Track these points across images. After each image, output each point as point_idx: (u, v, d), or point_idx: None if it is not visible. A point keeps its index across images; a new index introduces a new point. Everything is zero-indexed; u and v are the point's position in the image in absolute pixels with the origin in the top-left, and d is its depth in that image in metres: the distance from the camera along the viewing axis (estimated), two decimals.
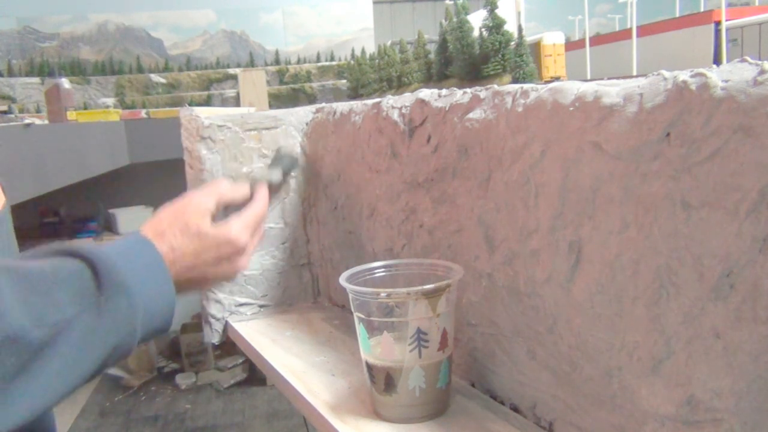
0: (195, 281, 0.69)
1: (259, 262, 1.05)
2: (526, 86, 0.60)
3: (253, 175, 0.81)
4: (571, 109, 0.53)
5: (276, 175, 0.86)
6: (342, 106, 0.96)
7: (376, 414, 0.67)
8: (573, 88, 0.54)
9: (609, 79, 0.54)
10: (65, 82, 2.71)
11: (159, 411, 3.15)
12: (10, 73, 4.74)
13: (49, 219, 3.07)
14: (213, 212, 0.72)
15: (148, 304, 0.59)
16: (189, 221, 0.70)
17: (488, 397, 0.70)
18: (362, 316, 0.65)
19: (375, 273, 0.71)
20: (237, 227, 0.72)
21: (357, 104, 0.92)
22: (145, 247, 0.64)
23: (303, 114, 1.06)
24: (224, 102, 4.76)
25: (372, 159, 0.87)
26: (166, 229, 0.68)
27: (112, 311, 0.55)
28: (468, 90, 0.69)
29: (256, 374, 3.34)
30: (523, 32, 1.96)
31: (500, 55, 1.84)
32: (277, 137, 1.04)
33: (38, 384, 0.50)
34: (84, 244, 0.59)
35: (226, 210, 0.75)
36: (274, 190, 0.85)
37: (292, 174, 1.03)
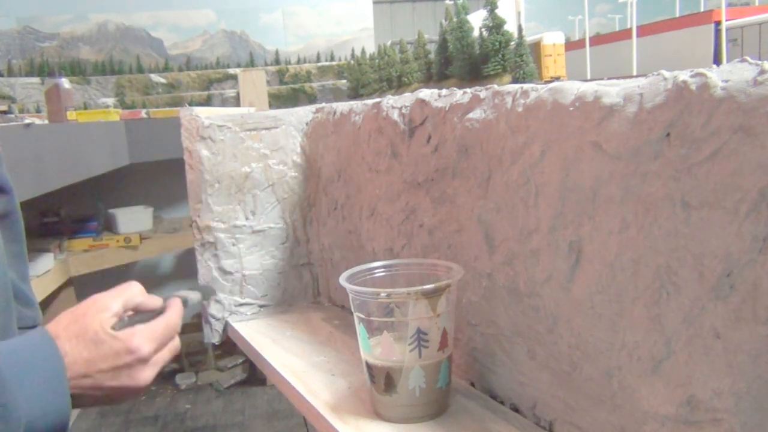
0: (90, 392, 0.63)
1: (259, 262, 1.05)
2: (526, 86, 0.60)
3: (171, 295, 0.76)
4: (571, 109, 0.53)
5: (194, 295, 0.81)
6: (342, 106, 0.96)
7: (376, 414, 0.67)
8: (573, 88, 0.54)
9: (609, 79, 0.54)
10: (65, 82, 2.71)
11: (159, 411, 3.15)
12: (10, 73, 4.74)
13: (49, 219, 3.07)
14: (118, 314, 0.67)
15: (35, 422, 0.55)
16: (88, 325, 0.64)
17: (488, 397, 0.70)
18: (362, 316, 0.65)
19: (375, 273, 0.71)
20: (140, 336, 0.66)
21: (357, 104, 0.92)
22: (49, 358, 0.59)
23: (303, 114, 1.06)
24: (224, 102, 4.76)
25: (372, 159, 0.87)
26: (61, 333, 0.63)
27: None
28: (468, 90, 0.68)
29: (256, 374, 3.34)
30: (523, 32, 1.96)
31: (500, 55, 1.84)
32: (277, 137, 1.04)
33: None
34: None
35: (134, 317, 0.69)
36: (187, 309, 0.78)
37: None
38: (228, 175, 1.01)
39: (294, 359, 0.85)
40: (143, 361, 0.66)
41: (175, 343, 0.71)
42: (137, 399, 0.75)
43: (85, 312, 0.65)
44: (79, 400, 0.63)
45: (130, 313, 0.69)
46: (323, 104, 1.04)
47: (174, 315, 0.71)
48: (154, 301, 0.71)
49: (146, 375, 0.67)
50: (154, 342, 0.67)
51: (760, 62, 0.40)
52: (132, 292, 0.69)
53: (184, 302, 0.75)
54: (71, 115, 2.63)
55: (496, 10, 1.85)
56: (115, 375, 0.64)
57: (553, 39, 2.16)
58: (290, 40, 5.35)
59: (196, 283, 1.02)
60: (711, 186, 0.42)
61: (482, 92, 0.66)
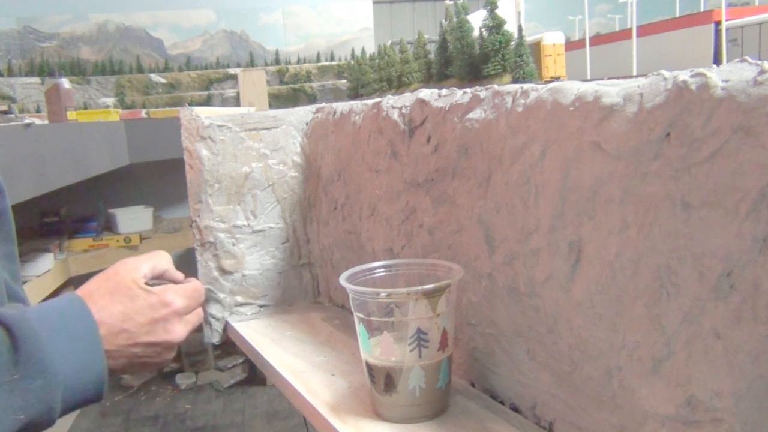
0: (127, 350, 0.63)
1: (259, 262, 1.05)
2: (526, 86, 0.60)
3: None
4: (571, 109, 0.53)
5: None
6: (342, 106, 0.96)
7: (376, 414, 0.67)
8: (573, 88, 0.54)
9: (609, 79, 0.54)
10: (65, 82, 2.71)
11: (159, 411, 3.15)
12: (10, 73, 4.74)
13: (49, 219, 3.07)
14: (146, 277, 0.68)
15: (71, 377, 0.55)
16: (120, 282, 0.65)
17: (488, 397, 0.70)
18: (362, 316, 0.65)
19: (375, 273, 0.71)
20: (173, 291, 0.67)
21: (357, 104, 0.92)
22: (79, 315, 0.59)
23: (303, 114, 1.06)
24: (224, 102, 4.75)
25: (372, 159, 0.87)
26: (94, 293, 0.63)
27: (24, 390, 0.52)
28: (468, 90, 0.68)
29: (256, 374, 3.34)
30: (523, 32, 1.96)
31: (500, 55, 1.84)
32: (277, 137, 1.04)
33: None
34: (10, 309, 0.55)
35: (159, 284, 0.70)
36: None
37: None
38: (228, 175, 1.01)
39: (294, 359, 0.85)
40: (177, 314, 0.67)
41: (201, 312, 0.73)
42: (167, 364, 0.75)
43: (117, 271, 0.67)
44: (115, 361, 0.63)
45: (155, 280, 0.70)
46: (323, 104, 1.04)
47: (199, 283, 0.73)
48: (178, 273, 0.74)
49: (180, 330, 0.68)
50: (186, 299, 0.69)
51: (760, 62, 0.40)
52: (160, 259, 0.71)
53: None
54: (71, 115, 2.63)
55: (496, 10, 1.85)
56: (151, 329, 0.65)
57: (553, 39, 2.16)
58: (290, 40, 5.35)
59: None
60: (711, 186, 0.42)
61: (482, 92, 0.66)
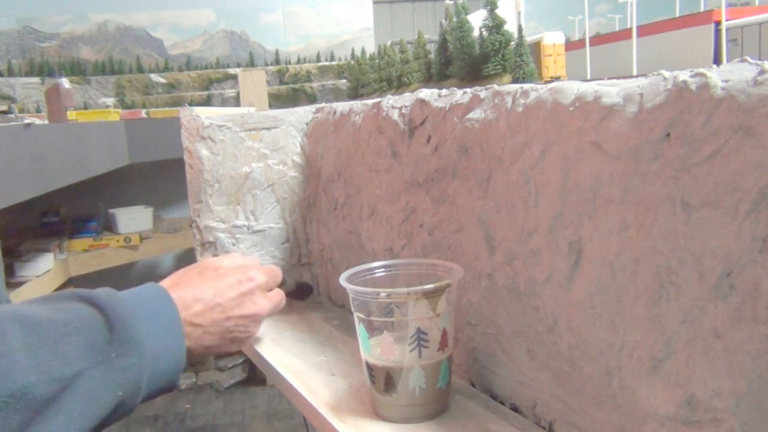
0: (219, 323, 0.67)
1: (259, 262, 1.05)
2: (526, 86, 0.60)
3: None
4: (571, 109, 0.53)
5: (290, 282, 0.88)
6: (342, 106, 0.96)
7: (376, 414, 0.67)
8: (573, 88, 0.54)
9: (609, 79, 0.54)
10: (65, 82, 2.71)
11: (159, 411, 3.15)
12: (10, 73, 4.74)
13: (49, 219, 3.07)
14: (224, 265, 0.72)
15: (156, 361, 0.58)
16: (206, 266, 0.70)
17: (488, 397, 0.70)
18: (362, 316, 0.65)
19: (375, 273, 0.71)
20: (254, 269, 0.72)
21: (357, 104, 0.92)
22: (161, 299, 0.62)
23: (303, 114, 1.06)
24: (224, 102, 4.76)
25: (372, 159, 0.87)
26: (185, 277, 0.68)
27: (121, 368, 0.54)
28: (468, 90, 0.69)
29: (256, 374, 3.34)
30: (523, 32, 1.96)
31: (500, 55, 1.83)
32: (277, 137, 1.04)
33: None
34: (100, 291, 0.57)
35: None
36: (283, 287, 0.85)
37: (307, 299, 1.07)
38: (228, 175, 1.01)
39: (294, 359, 0.85)
40: (261, 288, 0.72)
41: (281, 292, 0.79)
42: (251, 340, 0.80)
43: (201, 263, 0.72)
44: (211, 336, 0.66)
45: None
46: (323, 104, 1.04)
47: (274, 267, 0.79)
48: (253, 258, 0.80)
49: (265, 303, 0.73)
50: (266, 276, 0.74)
51: (760, 62, 0.40)
52: (235, 256, 0.76)
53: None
54: (71, 115, 2.63)
55: (496, 10, 1.85)
56: (241, 302, 0.70)
57: (553, 39, 2.16)
58: (290, 40, 5.35)
59: None
60: (711, 186, 0.42)
61: (482, 92, 0.66)
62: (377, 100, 0.86)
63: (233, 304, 0.69)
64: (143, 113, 3.37)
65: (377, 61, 3.01)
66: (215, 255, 1.02)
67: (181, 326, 0.62)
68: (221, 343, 0.69)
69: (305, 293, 1.06)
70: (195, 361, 0.68)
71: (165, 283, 0.68)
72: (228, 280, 0.69)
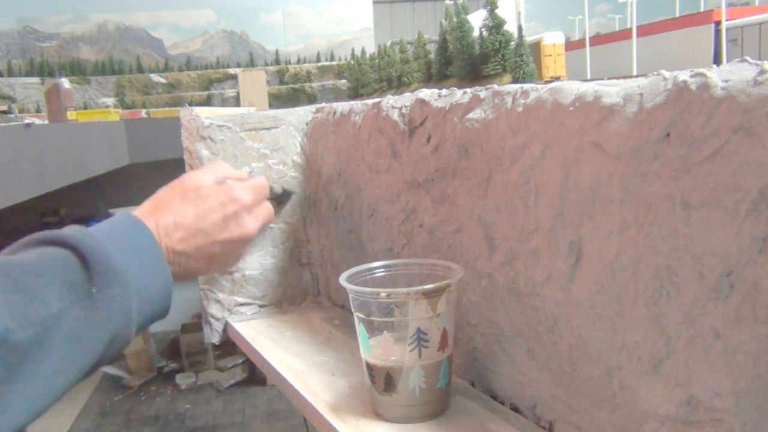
0: (204, 248, 0.64)
1: (259, 262, 1.05)
2: (526, 86, 0.60)
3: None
4: (571, 109, 0.53)
5: (277, 187, 0.85)
6: (342, 106, 0.96)
7: (376, 414, 0.67)
8: (573, 88, 0.54)
9: (609, 79, 0.54)
10: (65, 82, 2.71)
11: (159, 411, 3.15)
12: (10, 73, 4.74)
13: (49, 219, 3.07)
14: (208, 183, 0.68)
15: (142, 288, 0.56)
16: (187, 187, 0.66)
17: (488, 397, 0.70)
18: (362, 316, 0.65)
19: (375, 273, 0.71)
20: (238, 187, 0.68)
21: (357, 104, 0.92)
22: (134, 227, 0.59)
23: (303, 114, 1.06)
24: (224, 102, 4.76)
25: (372, 159, 0.87)
26: (163, 201, 0.64)
27: (105, 301, 0.52)
28: (468, 90, 0.68)
29: (256, 374, 3.34)
30: (523, 32, 1.96)
31: (500, 55, 1.84)
32: (277, 137, 1.04)
33: (34, 385, 0.47)
34: (70, 229, 0.55)
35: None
36: (271, 196, 0.83)
37: (287, 204, 1.05)
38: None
39: (294, 359, 0.85)
40: (246, 208, 0.68)
41: (269, 206, 0.74)
42: (241, 260, 0.77)
43: (181, 181, 0.67)
44: (197, 262, 0.64)
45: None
46: (323, 104, 1.04)
47: (262, 178, 0.74)
48: (240, 173, 0.73)
49: (252, 223, 0.68)
50: (251, 193, 0.69)
51: (760, 62, 0.40)
52: (220, 166, 0.71)
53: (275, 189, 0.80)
54: (71, 115, 2.63)
55: (496, 10, 1.85)
56: (225, 225, 0.66)
57: (553, 39, 2.17)
58: (290, 40, 5.35)
59: (196, 283, 1.02)
60: (711, 186, 0.42)
61: (482, 92, 0.66)
62: (377, 100, 0.86)
63: (218, 228, 0.65)
64: (143, 113, 3.37)
65: (377, 61, 3.01)
66: None
67: (160, 249, 0.59)
68: (210, 266, 0.67)
69: (285, 199, 1.02)
70: (183, 280, 0.64)
71: (144, 208, 0.64)
72: (210, 203, 0.65)
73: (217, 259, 0.67)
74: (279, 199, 0.90)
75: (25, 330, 0.46)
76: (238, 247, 0.68)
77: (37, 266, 0.50)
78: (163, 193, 0.66)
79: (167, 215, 0.62)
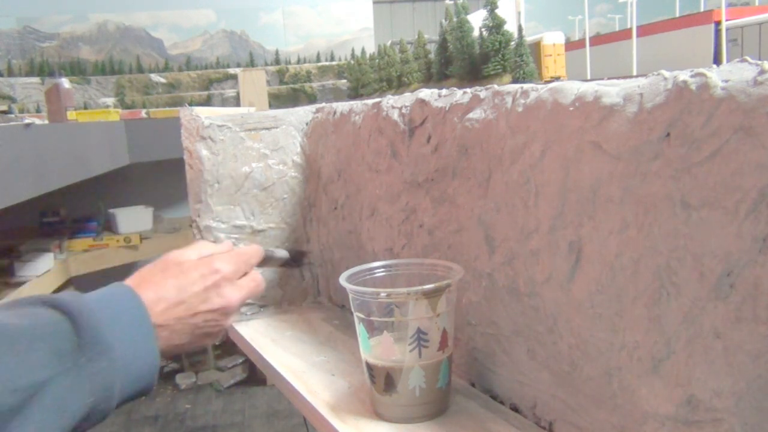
0: (185, 320, 0.64)
1: None
2: (526, 86, 0.60)
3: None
4: (571, 109, 0.53)
5: (281, 252, 0.86)
6: (342, 106, 0.96)
7: (376, 414, 0.67)
8: (573, 88, 0.54)
9: (609, 79, 0.54)
10: (65, 82, 2.71)
11: (159, 411, 3.15)
12: (10, 73, 4.74)
13: (49, 219, 3.07)
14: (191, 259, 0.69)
15: (129, 365, 0.56)
16: (169, 262, 0.67)
17: (488, 397, 0.70)
18: (362, 316, 0.65)
19: (375, 273, 0.71)
20: (218, 259, 0.69)
21: (357, 104, 0.92)
22: (129, 300, 0.60)
23: (303, 114, 1.06)
24: (224, 102, 4.76)
25: (372, 159, 0.87)
26: (146, 276, 0.65)
27: (90, 373, 0.52)
28: (468, 90, 0.69)
29: (256, 374, 3.34)
30: (523, 32, 1.96)
31: (500, 55, 1.83)
32: (277, 137, 1.04)
33: None
34: (65, 295, 0.56)
35: None
36: (272, 262, 0.84)
37: (303, 263, 1.06)
38: (228, 175, 1.01)
39: (294, 359, 0.85)
40: (227, 279, 0.68)
41: (257, 276, 0.73)
42: (225, 332, 0.76)
43: (165, 257, 0.68)
44: (179, 335, 0.64)
45: None
46: (323, 104, 1.04)
47: (246, 248, 0.74)
48: (225, 245, 0.74)
49: (233, 294, 0.68)
50: (233, 264, 0.70)
51: (760, 62, 0.40)
52: (204, 246, 0.72)
53: (266, 253, 0.79)
54: (71, 115, 2.63)
55: (496, 10, 1.85)
56: (206, 296, 0.66)
57: (553, 39, 2.16)
58: (290, 40, 5.35)
59: None
60: (711, 186, 0.42)
61: (482, 92, 0.66)
62: (377, 100, 0.86)
63: (198, 300, 0.65)
64: (143, 113, 3.37)
65: (377, 61, 3.01)
66: None
67: (152, 326, 0.60)
68: (192, 340, 0.67)
69: (300, 259, 1.02)
70: (168, 358, 0.64)
71: (128, 282, 0.64)
72: (191, 275, 0.66)
73: (199, 330, 0.67)
74: (289, 262, 0.90)
75: (11, 396, 0.46)
76: (220, 317, 0.68)
77: (32, 330, 0.50)
78: (147, 270, 0.67)
79: (149, 288, 0.63)
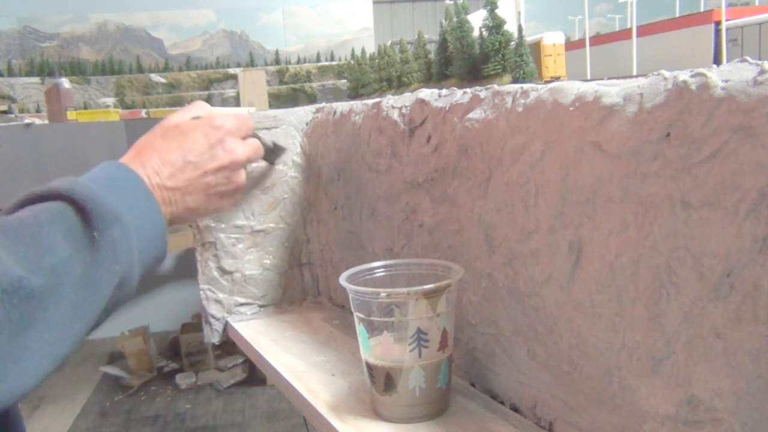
0: (195, 180, 0.63)
1: (259, 262, 1.05)
2: (526, 86, 0.60)
3: None
4: (571, 109, 0.53)
5: (267, 140, 0.83)
6: (342, 106, 0.96)
7: (376, 414, 0.67)
8: (573, 88, 0.54)
9: (609, 79, 0.54)
10: (65, 82, 2.71)
11: (159, 411, 3.15)
12: (10, 73, 4.74)
13: None
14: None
15: (139, 228, 0.55)
16: (167, 126, 0.65)
17: (488, 397, 0.70)
18: (362, 316, 0.65)
19: (375, 273, 0.71)
20: (219, 115, 0.67)
21: (357, 104, 0.92)
22: (119, 171, 0.59)
23: (303, 114, 1.06)
24: (224, 102, 4.76)
25: (372, 159, 0.87)
26: (145, 145, 0.63)
27: (107, 243, 0.51)
28: (468, 90, 0.69)
29: (256, 374, 3.34)
30: (523, 32, 1.96)
31: (500, 55, 1.84)
32: (278, 137, 1.04)
33: (50, 333, 0.46)
34: (58, 182, 0.55)
35: None
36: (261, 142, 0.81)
37: (277, 162, 1.02)
38: None
39: (294, 359, 0.85)
40: (231, 133, 0.67)
41: (256, 142, 0.72)
42: (240, 191, 0.72)
43: (160, 124, 0.66)
44: (192, 196, 0.63)
45: None
46: (323, 104, 1.04)
47: (246, 115, 0.72)
48: (222, 110, 0.73)
49: (240, 148, 0.67)
50: (234, 120, 0.68)
51: (760, 62, 0.40)
52: (198, 107, 0.70)
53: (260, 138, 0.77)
54: (71, 115, 2.63)
55: (496, 10, 1.85)
56: (212, 153, 0.65)
57: (553, 39, 2.16)
58: (290, 40, 5.35)
59: (196, 283, 1.02)
60: (711, 186, 0.42)
61: (482, 92, 0.66)
62: (377, 100, 0.86)
63: (205, 158, 0.64)
64: (143, 113, 3.37)
65: (377, 61, 3.01)
66: (215, 254, 1.02)
67: (149, 189, 0.59)
68: (208, 201, 0.66)
69: (279, 154, 0.99)
70: (188, 223, 0.64)
71: (127, 155, 0.63)
72: (193, 135, 0.64)
73: (212, 190, 0.66)
74: (270, 154, 0.88)
75: (38, 277, 0.46)
76: (231, 173, 0.67)
77: (35, 219, 0.50)
78: (144, 138, 0.65)
79: (152, 156, 0.62)
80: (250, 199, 1.03)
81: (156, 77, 4.94)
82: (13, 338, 0.44)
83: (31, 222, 0.49)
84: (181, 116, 0.67)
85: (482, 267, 0.67)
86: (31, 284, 0.45)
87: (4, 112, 3.40)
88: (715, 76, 0.42)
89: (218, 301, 1.03)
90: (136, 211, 0.56)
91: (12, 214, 0.52)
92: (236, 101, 4.60)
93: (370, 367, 0.66)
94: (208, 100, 4.75)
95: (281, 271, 1.07)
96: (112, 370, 3.49)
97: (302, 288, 1.10)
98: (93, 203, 0.52)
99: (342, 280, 0.67)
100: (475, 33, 1.96)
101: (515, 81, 1.85)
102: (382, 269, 0.71)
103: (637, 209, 0.48)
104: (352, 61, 3.65)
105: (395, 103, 0.81)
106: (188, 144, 0.64)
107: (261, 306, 1.06)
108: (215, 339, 1.05)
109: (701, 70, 0.43)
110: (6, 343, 0.43)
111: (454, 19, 2.00)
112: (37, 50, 4.93)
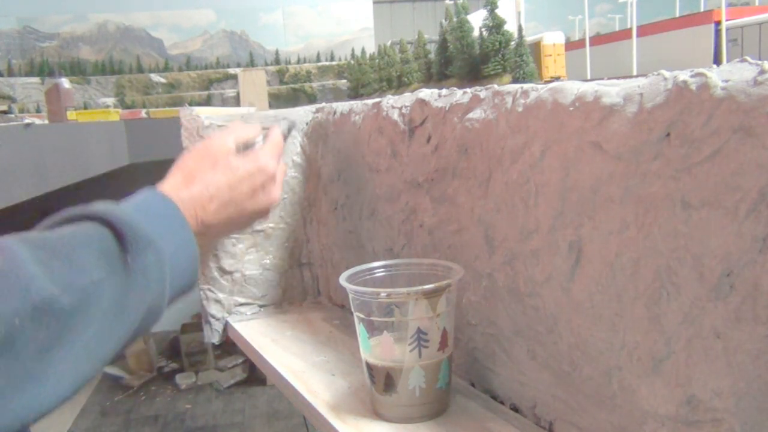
0: (234, 219, 0.66)
1: (259, 262, 1.05)
2: (526, 86, 0.60)
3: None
4: (571, 109, 0.53)
5: (283, 126, 0.86)
6: (342, 106, 0.96)
7: (376, 414, 0.67)
8: (573, 88, 0.54)
9: (609, 79, 0.54)
10: (65, 82, 2.71)
11: (159, 411, 3.15)
12: (10, 73, 4.75)
13: None
14: (234, 151, 0.69)
15: (172, 256, 0.56)
16: (217, 157, 0.67)
17: (488, 397, 0.70)
18: (362, 316, 0.65)
19: (375, 273, 0.71)
20: (264, 155, 0.69)
21: (357, 104, 0.92)
22: (157, 200, 0.60)
23: (303, 114, 1.06)
24: (224, 102, 4.76)
25: (372, 159, 0.87)
26: (195, 170, 0.65)
27: (140, 270, 0.52)
28: (468, 90, 0.69)
29: (256, 374, 3.34)
30: (523, 32, 1.96)
31: (500, 55, 1.84)
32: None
33: (76, 354, 0.46)
34: (97, 204, 0.55)
35: (243, 149, 0.73)
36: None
37: (291, 134, 1.03)
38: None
39: (294, 359, 0.85)
40: (272, 177, 0.70)
41: (284, 166, 0.76)
42: (266, 218, 0.84)
43: (208, 149, 0.68)
44: (224, 228, 0.65)
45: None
46: (323, 104, 1.04)
47: (277, 136, 0.75)
48: (255, 129, 0.74)
49: (276, 191, 0.71)
50: (275, 158, 0.71)
51: (760, 62, 0.40)
52: (239, 129, 0.72)
53: (285, 128, 0.81)
54: (71, 115, 2.63)
55: (496, 10, 1.85)
56: (254, 196, 0.67)
57: (553, 39, 2.16)
58: (290, 40, 5.35)
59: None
60: (711, 186, 0.42)
61: (482, 92, 0.66)
62: (377, 100, 0.86)
63: (245, 199, 0.67)
64: (143, 113, 3.38)
65: (377, 61, 3.01)
66: (215, 254, 1.02)
67: (185, 219, 0.60)
68: (234, 231, 0.71)
69: (290, 132, 1.02)
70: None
71: (174, 179, 0.65)
72: (240, 174, 0.66)
73: (243, 225, 0.70)
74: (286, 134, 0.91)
75: (69, 296, 0.45)
76: (263, 213, 0.70)
77: (72, 239, 0.50)
78: (193, 162, 0.66)
79: (202, 189, 0.63)
80: None
81: (156, 77, 4.94)
82: (37, 356, 0.43)
83: (69, 241, 0.49)
84: (226, 141, 0.69)
85: (482, 267, 0.67)
86: (62, 302, 0.45)
87: (4, 112, 3.41)
88: (715, 76, 0.42)
89: (218, 301, 1.03)
90: (171, 240, 0.57)
91: (52, 228, 0.52)
92: (236, 101, 4.60)
93: (370, 367, 0.66)
94: (208, 100, 4.75)
95: (281, 271, 1.07)
96: (112, 370, 3.49)
97: (302, 288, 1.10)
98: (129, 228, 0.52)
99: (342, 280, 0.67)
100: (475, 33, 1.96)
101: (515, 81, 1.85)
102: (382, 269, 0.71)
103: (637, 209, 0.48)
104: (352, 61, 3.65)
105: (395, 103, 0.81)
106: (236, 183, 0.66)
107: (261, 306, 1.06)
108: (215, 339, 1.05)
109: (701, 70, 0.43)
110: (29, 360, 0.43)
111: (454, 19, 2.00)
112: (37, 50, 4.94)
